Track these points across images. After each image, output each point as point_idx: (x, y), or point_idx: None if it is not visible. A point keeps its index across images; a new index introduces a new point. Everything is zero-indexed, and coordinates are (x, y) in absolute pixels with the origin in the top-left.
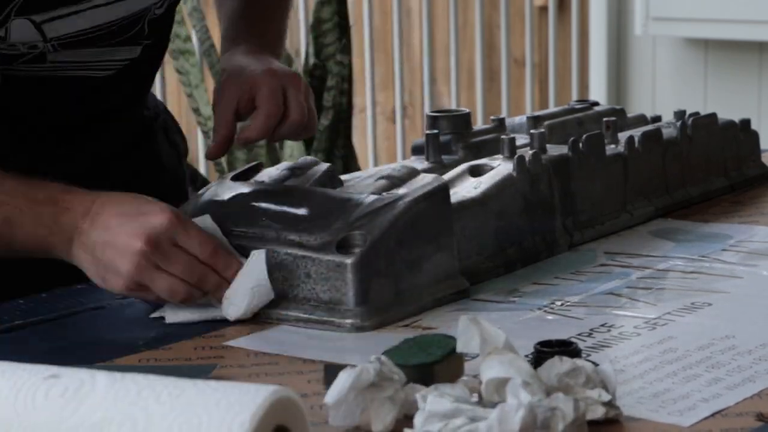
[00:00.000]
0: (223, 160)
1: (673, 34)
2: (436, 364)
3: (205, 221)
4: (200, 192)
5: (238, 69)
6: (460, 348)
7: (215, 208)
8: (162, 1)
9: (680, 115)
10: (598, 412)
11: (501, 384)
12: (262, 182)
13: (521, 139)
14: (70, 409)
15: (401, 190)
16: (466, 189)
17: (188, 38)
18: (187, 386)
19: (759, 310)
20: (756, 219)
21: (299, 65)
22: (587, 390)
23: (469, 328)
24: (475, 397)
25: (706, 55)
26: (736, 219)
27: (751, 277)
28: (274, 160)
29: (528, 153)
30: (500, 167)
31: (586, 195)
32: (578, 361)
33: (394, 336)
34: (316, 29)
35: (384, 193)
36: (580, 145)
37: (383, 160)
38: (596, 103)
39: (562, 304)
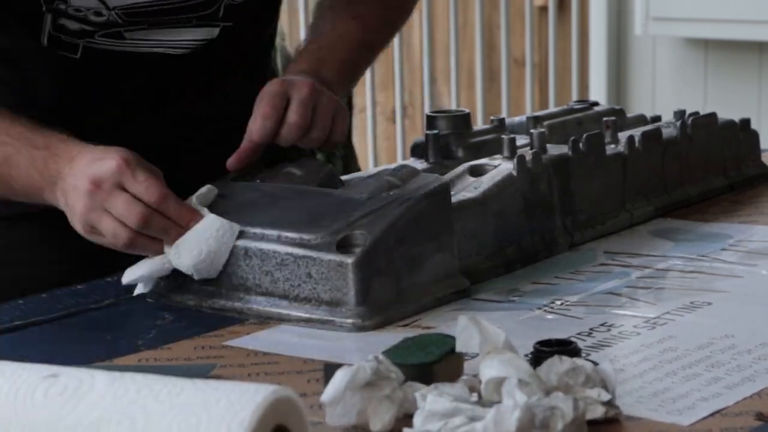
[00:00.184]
0: None
1: (673, 34)
2: (436, 364)
3: (211, 192)
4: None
5: (279, 80)
6: (459, 347)
7: (216, 208)
8: None
9: (680, 114)
10: (597, 412)
11: (500, 383)
12: (263, 182)
13: (521, 139)
14: (69, 408)
15: (402, 190)
16: (467, 189)
17: None
18: (186, 385)
19: (758, 310)
20: (755, 218)
21: None
22: (587, 389)
23: (469, 328)
24: (474, 397)
25: (706, 55)
26: (736, 218)
27: (751, 276)
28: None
29: (528, 153)
30: (500, 167)
31: (586, 194)
32: (578, 361)
33: (393, 335)
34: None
35: (384, 193)
36: (580, 144)
37: (383, 160)
38: (596, 103)
39: (561, 304)
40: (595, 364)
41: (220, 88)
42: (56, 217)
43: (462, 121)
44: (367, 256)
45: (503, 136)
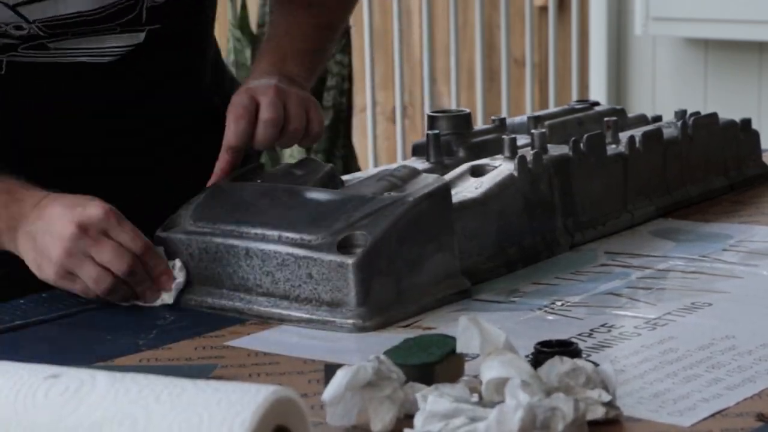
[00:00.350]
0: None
1: (673, 34)
2: (437, 364)
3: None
4: (201, 193)
5: (244, 88)
6: (460, 348)
7: (216, 209)
8: None
9: (681, 114)
10: (598, 413)
11: (501, 384)
12: (263, 183)
13: (522, 139)
14: (70, 408)
15: (402, 191)
16: (467, 189)
17: None
18: (187, 386)
19: (759, 310)
20: (756, 219)
21: None
22: (587, 390)
23: (469, 328)
24: (475, 397)
25: (706, 55)
26: (737, 219)
27: (752, 277)
28: (275, 161)
29: (529, 153)
30: (501, 167)
31: (587, 195)
32: (578, 362)
33: (394, 336)
34: None
35: (385, 194)
36: (581, 145)
37: (383, 160)
38: (597, 103)
39: (562, 304)
40: (596, 364)
41: (158, 89)
42: None
43: (463, 121)
44: (367, 257)
45: (504, 136)
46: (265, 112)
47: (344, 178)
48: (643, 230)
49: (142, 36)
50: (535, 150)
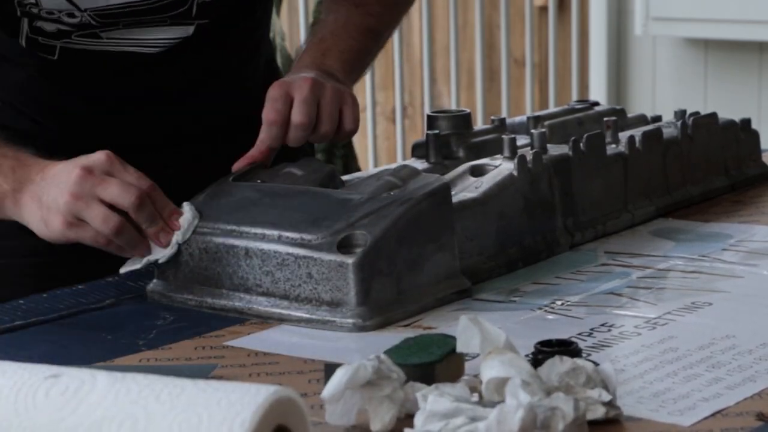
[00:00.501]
0: None
1: (673, 34)
2: (437, 364)
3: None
4: (201, 193)
5: (280, 81)
6: (460, 348)
7: (216, 209)
8: None
9: (681, 114)
10: (598, 412)
11: (501, 384)
12: (263, 183)
13: (522, 140)
14: (71, 408)
15: (402, 190)
16: (467, 189)
17: None
18: (187, 385)
19: (759, 310)
20: (756, 218)
21: None
22: (587, 390)
23: (469, 328)
24: (475, 397)
25: (706, 55)
26: (737, 218)
27: (752, 276)
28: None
29: (529, 153)
30: (501, 167)
31: (587, 195)
32: (578, 361)
33: (394, 336)
34: None
35: (385, 193)
36: (581, 144)
37: (383, 160)
38: (596, 103)
39: (562, 304)
40: (596, 364)
41: (202, 86)
42: None
43: (462, 121)
44: (367, 257)
45: (504, 136)
46: (297, 116)
47: (344, 178)
48: (643, 230)
49: (191, 29)
50: (534, 150)
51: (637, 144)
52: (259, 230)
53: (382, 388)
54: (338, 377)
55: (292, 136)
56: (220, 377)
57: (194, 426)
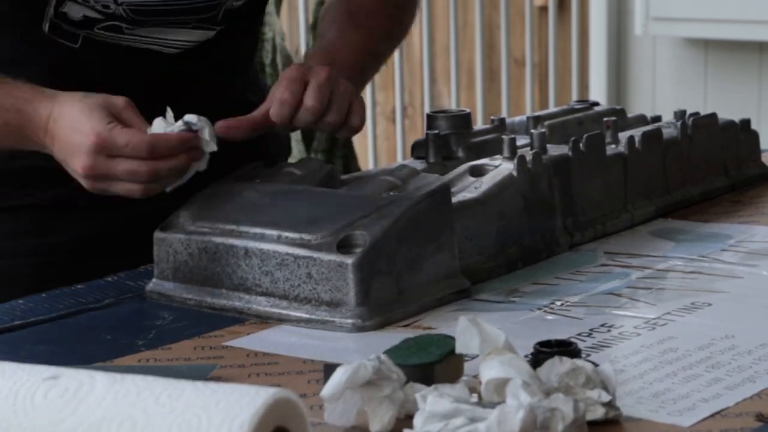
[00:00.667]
0: None
1: (673, 34)
2: (436, 364)
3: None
4: (200, 193)
5: (298, 64)
6: (459, 348)
7: (216, 208)
8: None
9: (680, 115)
10: (597, 413)
11: (501, 384)
12: (263, 182)
13: (521, 140)
14: (69, 410)
15: (402, 190)
16: (467, 189)
17: None
18: (186, 387)
19: (759, 310)
20: (756, 219)
21: None
22: (587, 390)
23: (469, 329)
24: (475, 398)
25: (706, 55)
26: (736, 219)
27: (751, 277)
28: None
29: (529, 153)
30: (501, 167)
31: (587, 195)
32: (578, 362)
33: (394, 336)
34: (316, 29)
35: (385, 193)
36: (581, 145)
37: (383, 160)
38: (596, 103)
39: (562, 304)
40: (596, 365)
41: (207, 86)
42: (34, 210)
43: (462, 121)
44: (367, 257)
45: (504, 136)
46: (310, 99)
47: (344, 178)
48: (643, 230)
49: (211, 34)
50: (534, 150)
51: (637, 144)
52: (258, 230)
53: (381, 389)
54: (338, 376)
55: (301, 117)
56: (219, 377)
57: (194, 428)
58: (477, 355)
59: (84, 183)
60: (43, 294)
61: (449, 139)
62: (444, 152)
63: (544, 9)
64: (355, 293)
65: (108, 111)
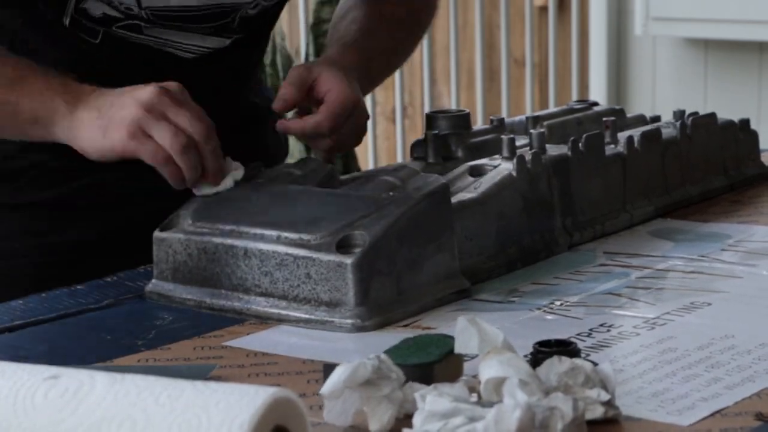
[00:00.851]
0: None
1: (673, 34)
2: (435, 364)
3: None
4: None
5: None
6: (458, 349)
7: (216, 208)
8: (255, 3)
9: (679, 115)
10: (597, 412)
11: (500, 384)
12: (263, 182)
13: (520, 140)
14: (70, 410)
15: (402, 191)
16: (466, 189)
17: None
18: (186, 387)
19: (758, 310)
20: (755, 218)
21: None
22: (586, 390)
23: (468, 329)
24: (474, 397)
25: (706, 55)
26: (735, 219)
27: (751, 276)
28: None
29: (528, 153)
30: (500, 167)
31: (586, 195)
32: (577, 361)
33: (393, 336)
34: (316, 29)
35: (384, 194)
36: (580, 145)
37: (383, 160)
38: (596, 103)
39: (561, 304)
40: (595, 364)
41: (217, 91)
42: (34, 210)
43: (462, 121)
44: (366, 257)
45: (503, 136)
46: (324, 120)
47: (344, 178)
48: (642, 230)
49: (227, 42)
50: (534, 150)
51: (636, 144)
52: (258, 230)
53: (380, 388)
54: (338, 374)
55: (308, 129)
56: (218, 378)
57: (194, 428)
58: (476, 355)
59: (137, 113)
60: (43, 294)
61: (449, 139)
62: (443, 152)
63: (544, 9)
64: (354, 293)
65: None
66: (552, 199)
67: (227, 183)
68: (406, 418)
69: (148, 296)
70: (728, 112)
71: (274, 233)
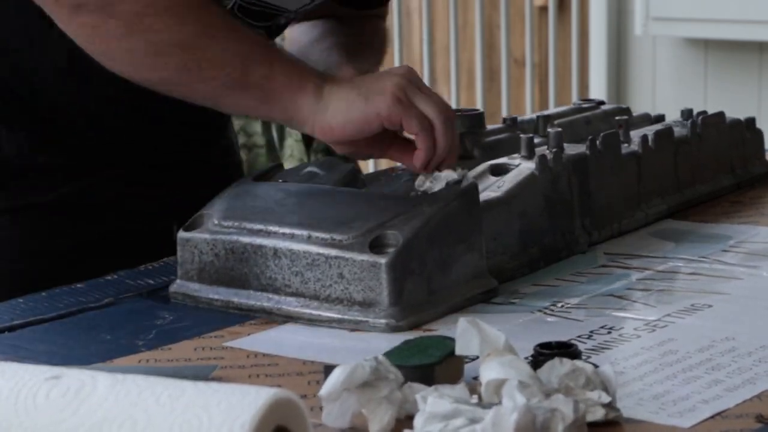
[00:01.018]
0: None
1: (673, 34)
2: (436, 366)
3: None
4: (222, 194)
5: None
6: (459, 350)
7: (241, 208)
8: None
9: (688, 113)
10: (598, 414)
11: (501, 385)
12: (285, 182)
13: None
14: (71, 410)
15: (428, 190)
16: (489, 188)
17: None
18: (187, 387)
19: (759, 312)
20: (756, 219)
21: None
22: (587, 391)
23: (469, 330)
24: (475, 399)
25: (706, 55)
26: (737, 219)
27: (752, 278)
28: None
29: (549, 152)
30: (522, 166)
31: (604, 194)
32: (578, 363)
33: (393, 337)
34: None
35: (412, 193)
36: (598, 144)
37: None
38: (602, 102)
39: (562, 306)
40: (596, 366)
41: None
42: (34, 211)
43: (477, 120)
44: (399, 257)
45: (521, 135)
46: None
47: (364, 177)
48: (643, 231)
49: None
50: (554, 149)
51: (650, 143)
52: (287, 230)
53: (379, 390)
54: (335, 376)
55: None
56: (219, 378)
57: (194, 428)
58: (477, 357)
59: (401, 81)
60: (43, 294)
61: (464, 138)
62: (460, 151)
63: (544, 9)
64: (388, 293)
65: None
66: (572, 198)
67: (450, 176)
68: (406, 419)
69: (173, 296)
70: (728, 112)
71: (304, 233)
